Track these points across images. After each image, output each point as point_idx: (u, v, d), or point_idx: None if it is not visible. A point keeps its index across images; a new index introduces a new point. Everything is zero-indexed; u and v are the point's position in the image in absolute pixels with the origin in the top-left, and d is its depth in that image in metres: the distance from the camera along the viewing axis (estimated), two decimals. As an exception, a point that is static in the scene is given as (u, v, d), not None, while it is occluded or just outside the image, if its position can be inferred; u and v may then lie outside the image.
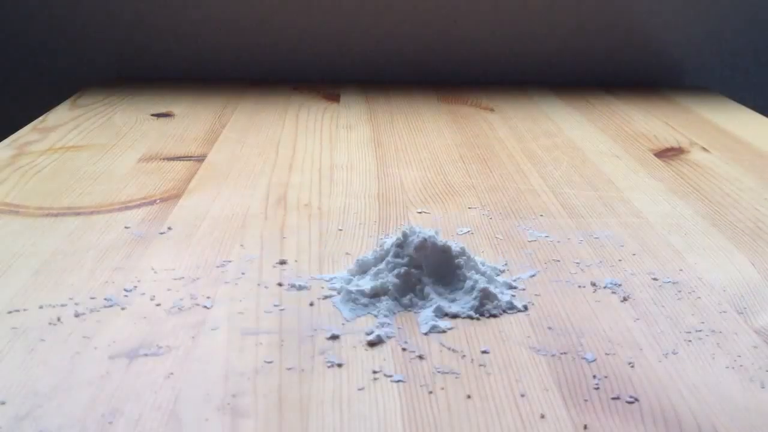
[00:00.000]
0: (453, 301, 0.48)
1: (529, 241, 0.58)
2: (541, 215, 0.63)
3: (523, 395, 0.39)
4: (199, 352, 0.42)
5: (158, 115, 0.91)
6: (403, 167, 0.75)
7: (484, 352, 0.43)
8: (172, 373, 0.40)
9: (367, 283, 0.48)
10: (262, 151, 0.78)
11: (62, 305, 0.47)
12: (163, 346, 0.43)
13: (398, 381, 0.40)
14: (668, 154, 0.81)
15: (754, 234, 0.60)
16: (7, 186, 0.66)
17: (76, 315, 0.46)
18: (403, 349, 0.43)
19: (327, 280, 0.50)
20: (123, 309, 0.46)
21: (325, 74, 1.13)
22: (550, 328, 0.46)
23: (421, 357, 0.42)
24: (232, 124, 0.88)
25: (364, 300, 0.47)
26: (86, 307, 0.46)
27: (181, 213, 0.62)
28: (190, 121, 0.89)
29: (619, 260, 0.55)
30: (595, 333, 0.45)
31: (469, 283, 0.48)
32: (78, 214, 0.61)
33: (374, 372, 0.41)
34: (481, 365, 0.42)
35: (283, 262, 0.53)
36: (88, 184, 0.67)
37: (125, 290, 0.49)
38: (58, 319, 0.45)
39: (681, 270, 0.54)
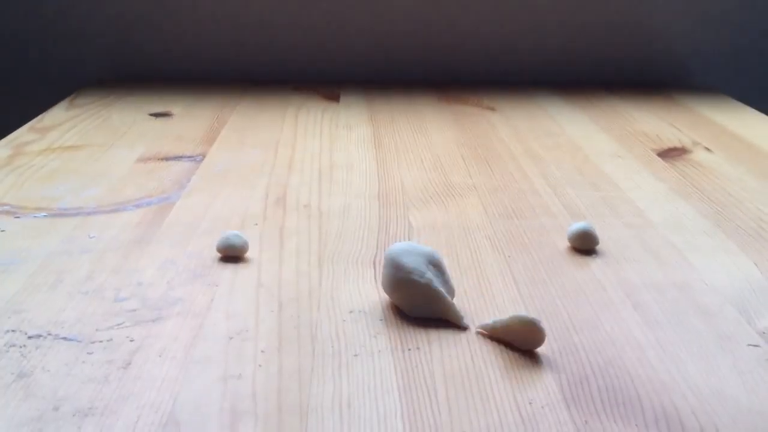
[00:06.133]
0: None
1: (530, 242, 0.57)
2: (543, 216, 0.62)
3: (523, 395, 0.39)
4: (198, 353, 0.42)
5: (157, 115, 0.91)
6: (404, 167, 0.74)
7: (485, 353, 0.42)
8: (170, 375, 0.40)
9: None
10: (262, 151, 0.78)
11: (60, 306, 0.46)
12: (162, 348, 0.42)
13: (399, 382, 0.39)
14: (671, 154, 0.81)
15: (757, 235, 0.60)
16: (4, 186, 0.66)
17: (74, 317, 0.45)
18: (404, 351, 0.42)
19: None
20: (120, 311, 0.46)
21: (325, 74, 1.13)
22: (551, 328, 0.45)
23: (421, 359, 0.42)
24: (231, 124, 0.88)
25: None
26: (83, 309, 0.46)
27: (180, 213, 0.61)
28: (188, 120, 0.89)
29: (621, 261, 0.54)
30: (597, 333, 0.45)
31: None
32: (76, 214, 0.61)
33: (374, 373, 0.40)
34: (481, 366, 0.41)
35: (281, 263, 0.53)
36: (86, 185, 0.67)
37: (123, 291, 0.48)
38: (56, 321, 0.45)
39: (683, 271, 0.53)
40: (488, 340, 0.44)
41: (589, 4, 1.12)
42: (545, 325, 0.45)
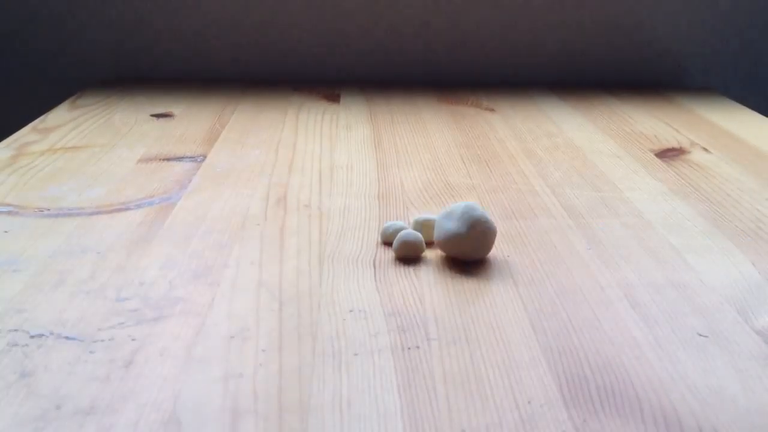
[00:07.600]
0: None
1: (529, 242, 0.58)
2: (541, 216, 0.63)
3: (522, 395, 0.39)
4: (199, 353, 0.42)
5: (158, 116, 0.91)
6: (404, 168, 0.74)
7: (484, 352, 0.43)
8: (171, 374, 0.40)
9: None
10: (262, 151, 0.78)
11: (62, 305, 0.46)
12: (164, 347, 0.42)
13: (399, 382, 0.40)
14: (669, 154, 0.81)
15: (754, 234, 0.60)
16: (6, 187, 0.66)
17: (76, 316, 0.45)
18: (404, 351, 0.43)
19: None
20: (122, 311, 0.46)
21: (325, 74, 1.13)
22: (550, 328, 0.45)
23: (421, 359, 0.42)
24: (231, 125, 0.88)
25: None
26: (85, 309, 0.46)
27: (181, 214, 0.61)
28: (189, 121, 0.89)
29: (620, 261, 0.55)
30: (595, 333, 0.45)
31: None
32: (78, 215, 0.61)
33: (374, 373, 0.40)
34: (481, 366, 0.41)
35: (282, 264, 0.53)
36: (88, 185, 0.67)
37: (125, 291, 0.49)
38: (58, 320, 0.45)
39: (681, 270, 0.53)
40: (488, 340, 0.44)
41: (587, 5, 1.12)
42: (542, 322, 0.46)
